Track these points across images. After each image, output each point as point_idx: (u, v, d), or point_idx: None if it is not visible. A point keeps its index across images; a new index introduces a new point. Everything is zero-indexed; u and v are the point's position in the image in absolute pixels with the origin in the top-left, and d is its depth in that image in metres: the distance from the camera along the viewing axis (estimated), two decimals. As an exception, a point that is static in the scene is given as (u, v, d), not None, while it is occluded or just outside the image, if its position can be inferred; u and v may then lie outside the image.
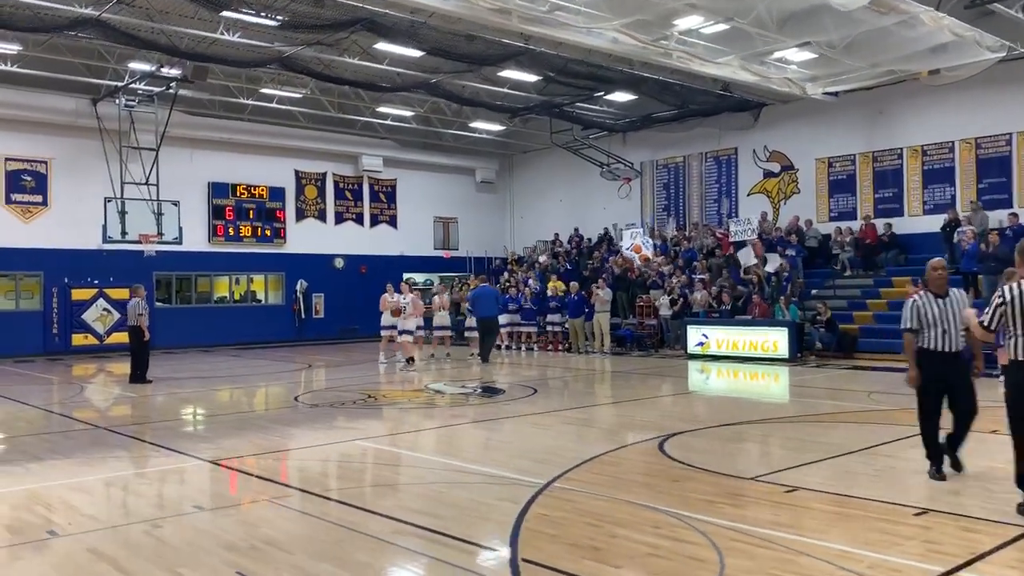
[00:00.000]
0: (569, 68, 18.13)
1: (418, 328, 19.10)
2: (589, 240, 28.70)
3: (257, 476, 7.63)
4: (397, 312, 18.07)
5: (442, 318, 20.55)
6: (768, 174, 25.32)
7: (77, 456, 8.83)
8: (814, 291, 21.47)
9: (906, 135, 22.34)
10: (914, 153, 22.26)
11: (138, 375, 15.77)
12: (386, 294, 19.64)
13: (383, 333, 19.47)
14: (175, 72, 20.77)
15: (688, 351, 19.69)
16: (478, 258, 31.79)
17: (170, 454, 8.79)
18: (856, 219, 23.23)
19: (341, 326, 28.42)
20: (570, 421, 10.49)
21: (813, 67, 19.92)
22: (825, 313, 18.77)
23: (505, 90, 23.07)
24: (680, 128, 24.46)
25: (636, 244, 24.04)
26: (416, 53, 19.95)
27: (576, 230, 29.53)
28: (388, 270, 29.69)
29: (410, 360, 17.93)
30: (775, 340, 18.22)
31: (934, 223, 21.56)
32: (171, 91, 21.43)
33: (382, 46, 19.38)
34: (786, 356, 17.96)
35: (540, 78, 22.05)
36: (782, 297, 19.25)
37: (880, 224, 22.07)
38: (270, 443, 9.42)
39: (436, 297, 20.52)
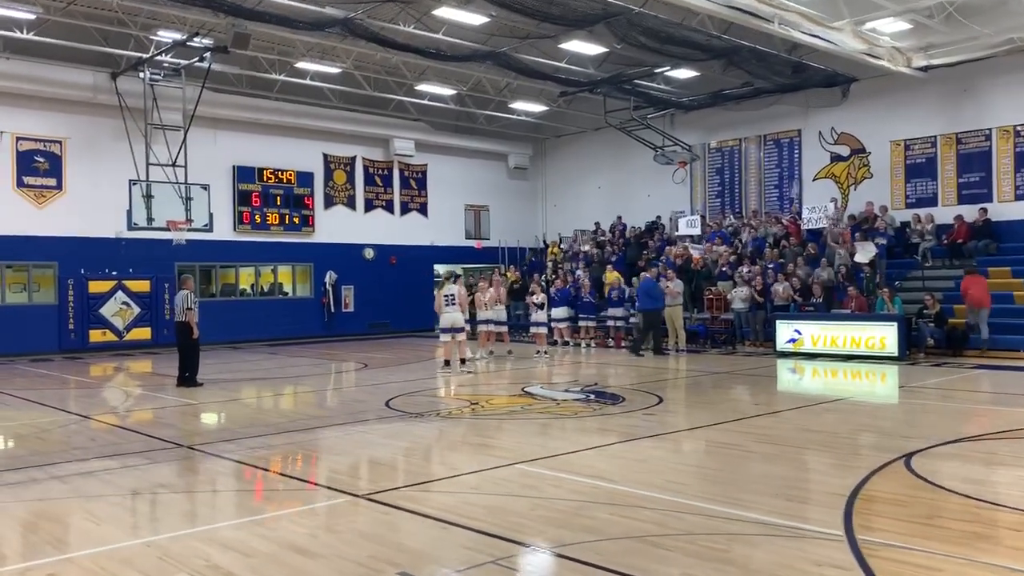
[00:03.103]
0: (659, 31, 16.20)
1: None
2: (635, 228, 26.94)
3: (440, 519, 5.84)
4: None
5: (499, 312, 18.76)
6: (836, 158, 23.70)
7: (181, 488, 7.02)
8: (897, 282, 19.87)
9: (995, 114, 20.74)
10: (1005, 134, 20.67)
11: (187, 377, 13.90)
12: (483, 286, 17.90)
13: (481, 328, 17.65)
14: (207, 42, 18.88)
15: (778, 348, 18.02)
16: (511, 248, 29.99)
17: (301, 485, 7.00)
18: (937, 205, 21.66)
19: (372, 321, 26.64)
20: (757, 439, 8.74)
21: (906, 38, 18.36)
22: (933, 306, 17.14)
23: (563, 64, 21.29)
24: (755, 106, 22.70)
25: (696, 258, 22.24)
26: (477, 20, 18.19)
27: (619, 218, 27.78)
28: (418, 261, 28.02)
29: (446, 363, 15.87)
30: (883, 336, 16.57)
31: (1029, 210, 20.09)
32: (202, 63, 19.39)
33: (442, 12, 17.58)
34: (895, 354, 16.32)
35: (606, 50, 20.34)
36: (886, 289, 17.60)
37: (971, 211, 20.50)
38: (412, 468, 7.65)
39: (491, 290, 18.63)
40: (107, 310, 21.58)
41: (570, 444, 8.43)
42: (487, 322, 17.66)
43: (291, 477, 7.37)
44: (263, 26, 17.20)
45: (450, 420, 10.25)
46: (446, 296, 15.36)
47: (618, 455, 7.98)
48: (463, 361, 15.45)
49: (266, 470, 7.66)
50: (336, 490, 6.76)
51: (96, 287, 21.45)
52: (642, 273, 20.30)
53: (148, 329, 22.12)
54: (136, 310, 21.96)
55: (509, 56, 19.06)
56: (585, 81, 21.65)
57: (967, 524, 5.62)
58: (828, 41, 15.89)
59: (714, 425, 9.48)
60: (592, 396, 12.00)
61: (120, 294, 21.79)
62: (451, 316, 15.27)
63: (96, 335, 21.45)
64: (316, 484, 6.98)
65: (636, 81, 22.31)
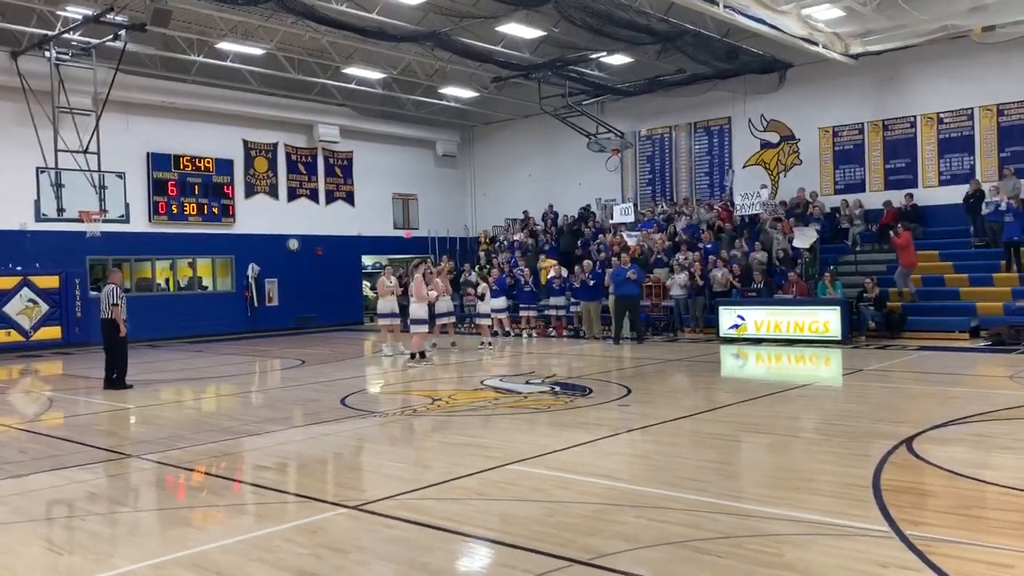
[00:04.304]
0: (602, 12, 15.81)
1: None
2: (567, 217, 26.65)
3: (456, 532, 5.31)
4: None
5: (444, 303, 18.17)
6: (766, 144, 23.92)
7: (145, 504, 6.27)
8: (831, 267, 20.15)
9: (920, 102, 21.26)
10: (929, 121, 21.20)
11: (114, 379, 12.85)
12: (383, 277, 17.23)
13: (382, 322, 16.97)
14: (121, 19, 17.55)
15: (721, 334, 18.02)
16: (440, 238, 29.35)
17: (281, 497, 6.34)
18: (864, 191, 22.11)
19: (297, 315, 25.62)
20: (744, 428, 8.49)
21: (839, 25, 18.54)
22: (872, 290, 17.39)
23: (498, 47, 20.74)
24: (692, 92, 22.66)
25: (632, 246, 21.90)
26: (414, 0, 17.51)
27: (551, 207, 27.45)
28: (345, 252, 27.11)
29: (412, 356, 15.34)
30: (826, 320, 16.73)
31: (951, 194, 20.61)
32: (116, 42, 18.02)
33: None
34: (839, 337, 16.50)
35: (543, 34, 19.94)
36: (827, 273, 17.79)
37: (898, 196, 20.97)
38: (399, 473, 7.05)
39: (439, 280, 18.02)
40: (12, 308, 20.00)
41: (558, 441, 7.97)
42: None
43: (267, 488, 6.69)
44: (187, 2, 16.05)
45: (417, 418, 9.67)
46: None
47: (614, 451, 7.59)
48: (413, 356, 14.90)
49: (235, 480, 6.97)
50: (324, 501, 6.13)
51: (-1, 284, 19.89)
52: (584, 262, 20.03)
53: (58, 328, 20.62)
54: (44, 308, 20.43)
55: (451, 37, 18.38)
56: (524, 65, 21.16)
57: (1008, 514, 5.42)
58: (772, 26, 15.84)
59: (695, 415, 9.19)
60: (558, 388, 11.58)
61: (26, 291, 20.22)
62: (411, 307, 14.85)
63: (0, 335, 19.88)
64: (299, 495, 6.33)
65: (571, 67, 21.97)
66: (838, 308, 16.68)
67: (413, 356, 14.92)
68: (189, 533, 5.55)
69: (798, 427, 8.60)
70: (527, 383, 12.17)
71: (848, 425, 8.51)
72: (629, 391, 11.16)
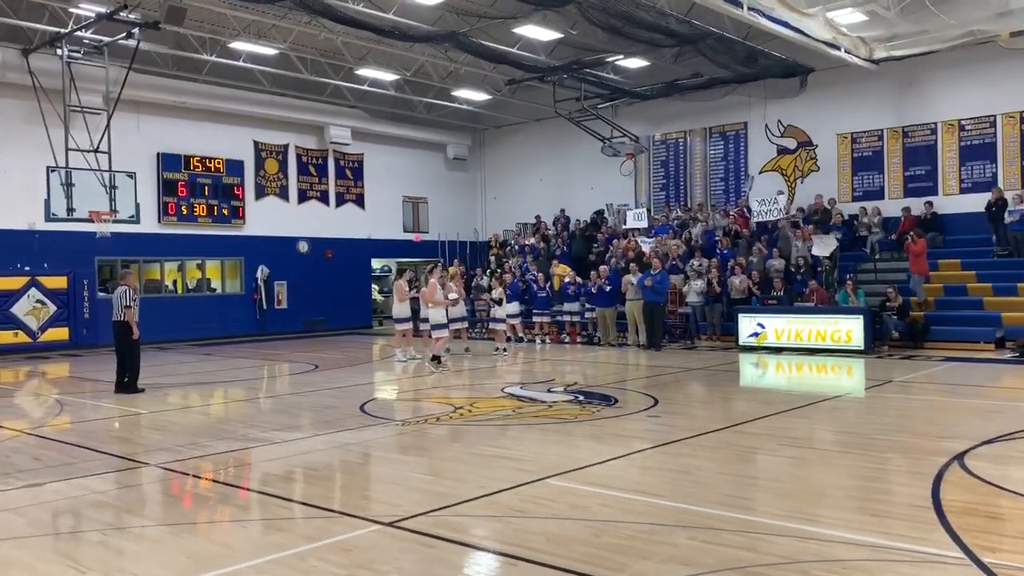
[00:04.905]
0: (623, 13, 15.51)
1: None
2: (579, 222, 26.37)
3: (500, 552, 5.03)
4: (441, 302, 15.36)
5: (458, 308, 17.86)
6: (783, 150, 23.62)
7: (166, 518, 5.99)
8: (851, 275, 19.83)
9: (941, 109, 20.94)
10: (950, 128, 20.90)
11: (125, 382, 12.57)
12: (400, 281, 16.99)
13: (399, 327, 16.73)
14: (134, 16, 17.32)
15: (740, 342, 17.71)
16: (450, 242, 29.07)
17: (309, 512, 6.04)
18: (883, 198, 21.79)
19: (307, 318, 25.35)
20: (783, 442, 8.17)
21: (861, 30, 18.27)
22: (895, 299, 17.08)
23: (514, 49, 20.46)
24: (711, 96, 22.34)
25: (648, 252, 21.41)
26: (432, 0, 17.25)
27: (563, 211, 27.16)
28: (355, 255, 26.87)
29: (433, 359, 15.10)
30: (848, 329, 16.41)
31: (972, 202, 20.28)
32: (129, 40, 17.78)
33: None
34: (861, 347, 16.19)
35: (559, 36, 19.69)
36: (848, 282, 17.48)
37: (917, 204, 20.66)
38: (431, 487, 6.74)
39: (453, 284, 17.73)
40: (19, 309, 19.76)
41: (591, 453, 7.68)
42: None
43: (294, 501, 6.39)
44: (201, -1, 15.82)
45: (440, 427, 9.38)
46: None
47: (651, 465, 7.29)
48: (434, 359, 14.66)
49: (260, 492, 6.67)
50: (357, 517, 5.83)
51: (6, 284, 19.63)
52: (600, 268, 19.72)
53: (65, 329, 20.40)
54: (52, 309, 20.19)
55: (467, 38, 18.11)
56: (540, 67, 20.90)
57: (1085, 539, 5.13)
58: (796, 29, 15.55)
59: (729, 427, 8.88)
60: (582, 397, 11.29)
61: (34, 291, 19.99)
62: (431, 312, 14.67)
63: (6, 336, 19.62)
64: (330, 510, 6.03)
65: (587, 70, 21.70)
66: (861, 317, 16.38)
67: (434, 360, 14.64)
68: (216, 550, 5.25)
69: (838, 441, 8.30)
70: (549, 391, 11.87)
71: (889, 439, 8.19)
72: (656, 401, 10.85)
